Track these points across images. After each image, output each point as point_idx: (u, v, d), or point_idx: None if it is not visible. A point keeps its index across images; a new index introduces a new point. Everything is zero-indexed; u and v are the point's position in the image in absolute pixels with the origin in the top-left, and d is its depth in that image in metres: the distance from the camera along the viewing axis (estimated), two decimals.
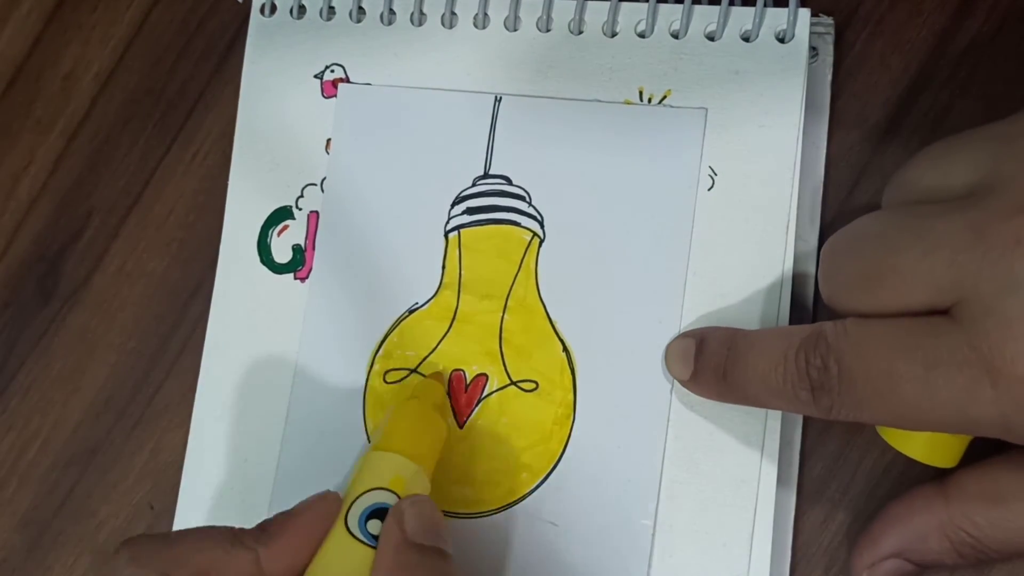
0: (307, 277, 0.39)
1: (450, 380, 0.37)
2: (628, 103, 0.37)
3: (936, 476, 0.32)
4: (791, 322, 0.34)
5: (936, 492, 0.31)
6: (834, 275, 0.30)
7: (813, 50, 0.37)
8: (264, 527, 0.31)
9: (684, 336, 0.34)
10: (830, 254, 0.30)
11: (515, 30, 0.38)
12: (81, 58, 0.43)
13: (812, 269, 0.36)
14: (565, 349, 0.36)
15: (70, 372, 0.42)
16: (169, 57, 0.43)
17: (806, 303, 0.36)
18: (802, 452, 0.36)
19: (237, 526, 0.37)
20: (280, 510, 0.37)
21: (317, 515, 0.31)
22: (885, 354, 0.28)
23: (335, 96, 0.39)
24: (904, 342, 0.27)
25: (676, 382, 0.35)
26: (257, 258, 0.39)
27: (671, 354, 0.35)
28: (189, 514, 0.38)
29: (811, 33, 0.36)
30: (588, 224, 0.36)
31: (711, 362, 0.33)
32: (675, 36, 0.37)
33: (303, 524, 0.31)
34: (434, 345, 0.37)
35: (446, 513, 0.36)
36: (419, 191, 0.38)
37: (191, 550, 0.30)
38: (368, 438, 0.37)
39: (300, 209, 0.39)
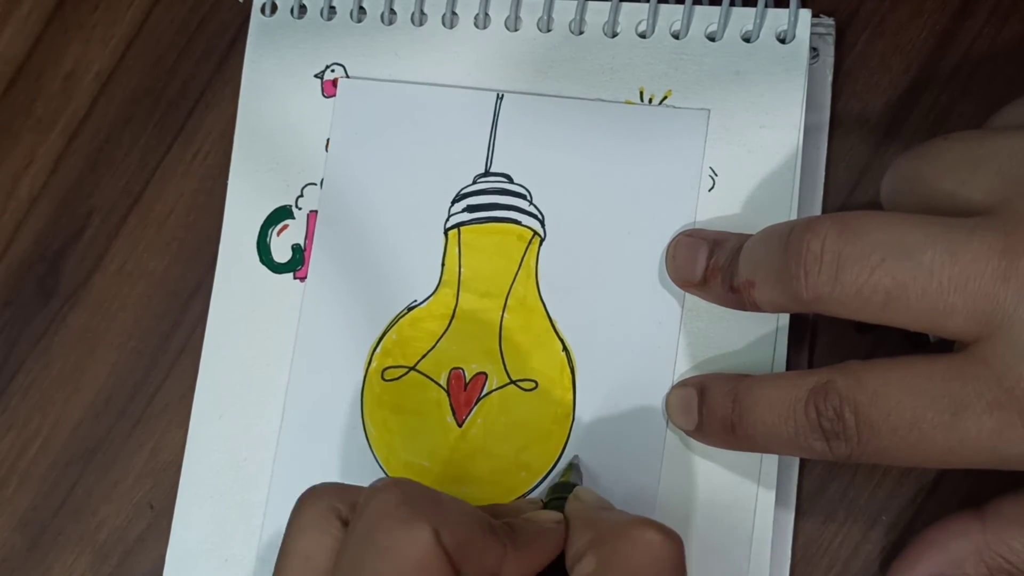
0: (306, 277, 0.39)
1: (449, 378, 0.37)
2: (629, 103, 0.37)
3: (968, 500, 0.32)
4: (791, 324, 0.34)
5: (973, 517, 0.31)
6: (853, 280, 0.28)
7: (814, 51, 0.37)
8: (514, 528, 0.29)
9: (683, 385, 0.34)
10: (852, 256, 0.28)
11: (516, 30, 0.38)
12: (82, 57, 0.44)
13: None
14: (565, 349, 0.36)
15: (70, 371, 0.42)
16: (170, 57, 0.43)
17: None
18: None
19: (235, 525, 0.38)
20: (278, 509, 0.37)
21: (558, 540, 0.30)
22: (909, 404, 0.27)
23: (335, 96, 0.39)
24: (927, 390, 0.27)
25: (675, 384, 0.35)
26: (257, 258, 0.39)
27: (672, 405, 0.34)
28: (189, 513, 0.38)
29: (812, 34, 0.36)
30: (589, 224, 0.36)
31: (717, 415, 0.32)
32: (676, 36, 0.37)
33: (547, 544, 0.29)
34: (433, 343, 0.37)
35: None
36: (419, 188, 0.38)
37: (459, 519, 0.27)
38: (367, 438, 0.37)
39: (300, 209, 0.39)
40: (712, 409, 0.32)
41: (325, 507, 0.28)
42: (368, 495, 0.28)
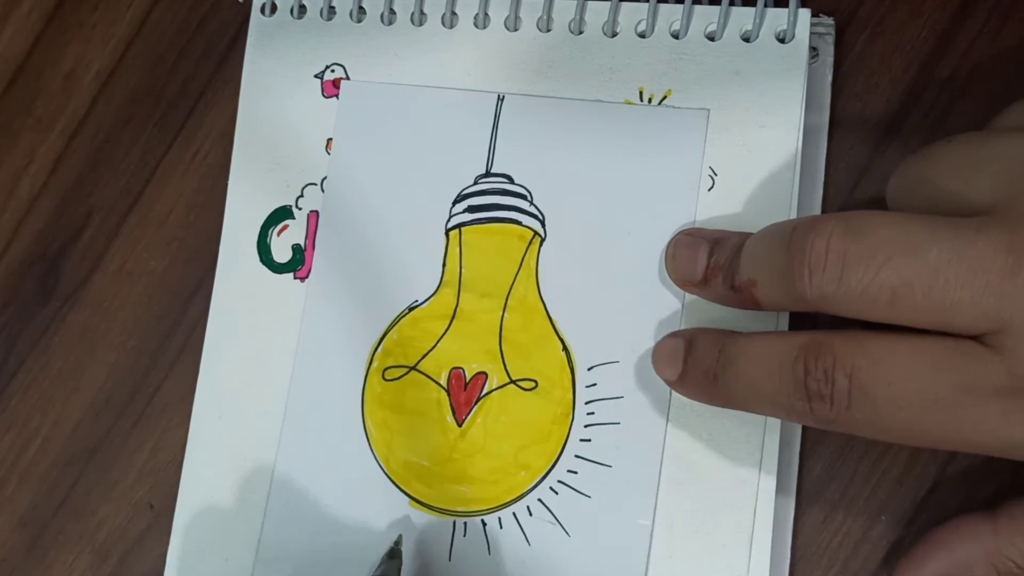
0: (307, 277, 0.39)
1: (449, 378, 0.37)
2: (629, 103, 0.37)
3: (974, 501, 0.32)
4: (791, 326, 0.34)
5: (984, 520, 0.31)
6: (854, 279, 0.28)
7: (813, 50, 0.37)
8: None
9: (673, 336, 0.34)
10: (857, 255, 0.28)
11: (515, 30, 0.38)
12: (82, 57, 0.44)
13: None
14: (565, 348, 0.36)
15: (70, 371, 0.42)
16: (170, 56, 0.43)
17: None
18: (802, 452, 0.36)
19: (236, 525, 0.38)
20: (279, 509, 0.37)
21: None
22: (916, 374, 0.27)
23: (335, 96, 0.39)
24: (937, 364, 0.27)
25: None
26: (257, 258, 0.39)
27: (659, 353, 0.34)
28: (189, 513, 0.38)
29: (811, 33, 0.36)
30: (589, 224, 0.36)
31: (701, 364, 0.32)
32: (675, 36, 0.37)
33: None
34: (434, 343, 0.37)
35: (444, 512, 0.36)
36: (420, 188, 0.38)
37: None
38: (368, 438, 0.37)
39: (300, 209, 0.39)
40: (697, 359, 0.32)
41: None
42: None
